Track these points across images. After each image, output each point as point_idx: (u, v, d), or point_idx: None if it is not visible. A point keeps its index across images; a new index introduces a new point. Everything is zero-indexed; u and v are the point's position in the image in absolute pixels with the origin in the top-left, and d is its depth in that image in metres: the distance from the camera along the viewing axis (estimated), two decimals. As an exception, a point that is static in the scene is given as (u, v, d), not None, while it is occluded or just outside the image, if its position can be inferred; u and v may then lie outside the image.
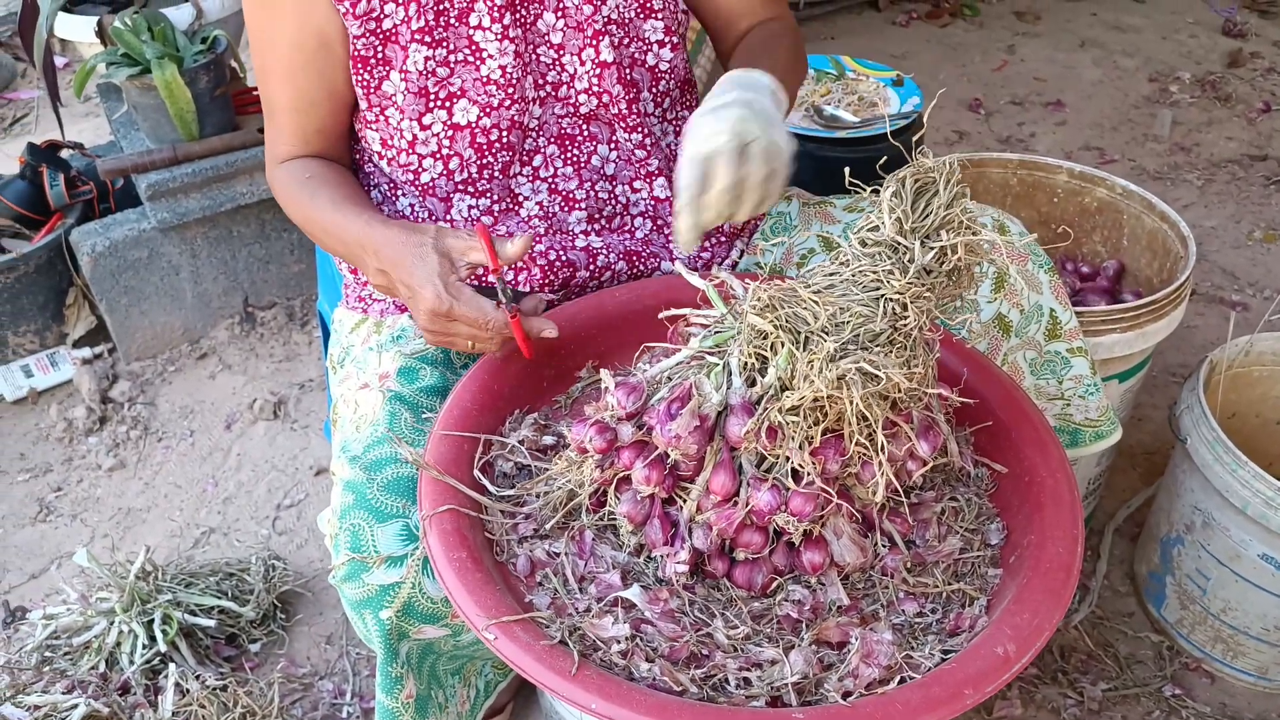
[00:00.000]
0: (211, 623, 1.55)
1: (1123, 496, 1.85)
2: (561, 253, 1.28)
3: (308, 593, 1.69)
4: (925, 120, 1.89)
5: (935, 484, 1.13)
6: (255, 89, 2.21)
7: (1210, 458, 1.44)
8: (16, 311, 2.08)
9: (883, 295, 0.98)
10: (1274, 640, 1.49)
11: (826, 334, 0.96)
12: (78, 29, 2.13)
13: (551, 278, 1.28)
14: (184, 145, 2.00)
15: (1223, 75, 3.19)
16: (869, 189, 1.07)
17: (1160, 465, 1.86)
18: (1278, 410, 1.66)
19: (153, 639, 1.50)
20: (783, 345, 0.97)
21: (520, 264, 1.28)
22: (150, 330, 2.14)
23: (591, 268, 1.30)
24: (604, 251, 1.30)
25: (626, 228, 1.34)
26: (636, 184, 1.32)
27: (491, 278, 1.11)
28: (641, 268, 1.32)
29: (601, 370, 1.05)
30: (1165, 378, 2.07)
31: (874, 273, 1.00)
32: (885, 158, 1.87)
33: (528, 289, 1.30)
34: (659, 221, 1.34)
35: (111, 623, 1.51)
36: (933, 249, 0.99)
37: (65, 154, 2.22)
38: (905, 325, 0.98)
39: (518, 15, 1.21)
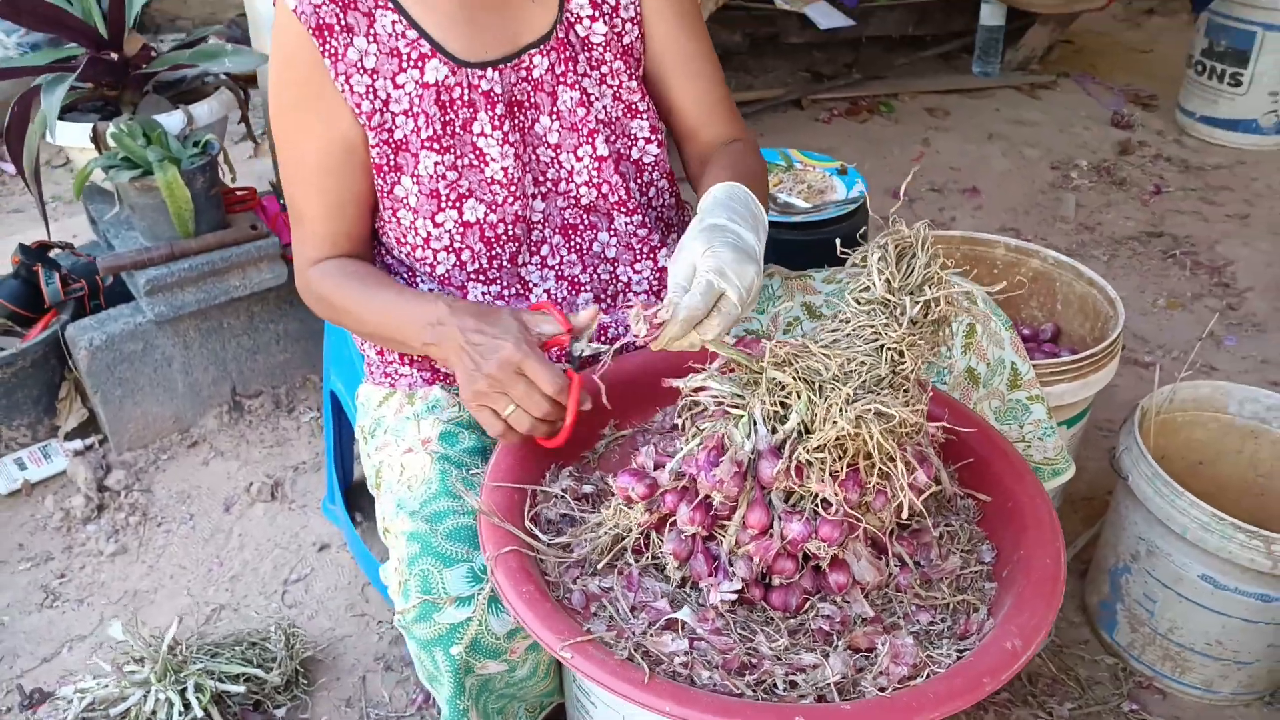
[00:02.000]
0: (241, 689, 1.62)
1: (1067, 539, 2.03)
2: (575, 329, 1.42)
3: (325, 659, 1.77)
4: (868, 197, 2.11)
5: (930, 512, 1.28)
6: (241, 190, 2.34)
7: (1150, 491, 1.63)
8: (11, 406, 2.15)
9: (882, 345, 1.15)
10: (1216, 654, 1.67)
11: (839, 381, 1.12)
12: (72, 135, 2.23)
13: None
14: (180, 242, 2.11)
15: (1116, 162, 3.50)
16: (851, 260, 1.24)
17: (1098, 509, 2.05)
18: (1200, 452, 1.87)
19: (187, 706, 1.57)
20: (800, 394, 1.12)
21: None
22: (142, 420, 2.22)
23: (603, 339, 1.44)
24: (613, 325, 1.45)
25: (628, 304, 1.49)
26: (637, 265, 1.47)
27: (577, 342, 1.25)
28: (651, 338, 1.47)
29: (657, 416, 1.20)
30: (1095, 432, 2.28)
31: (872, 326, 1.16)
32: (839, 238, 2.07)
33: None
34: (659, 296, 1.49)
35: (147, 692, 1.57)
36: (919, 302, 1.17)
37: (53, 253, 2.30)
38: (903, 369, 1.14)
39: (515, 121, 1.36)
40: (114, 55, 2.24)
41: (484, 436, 1.39)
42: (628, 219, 1.43)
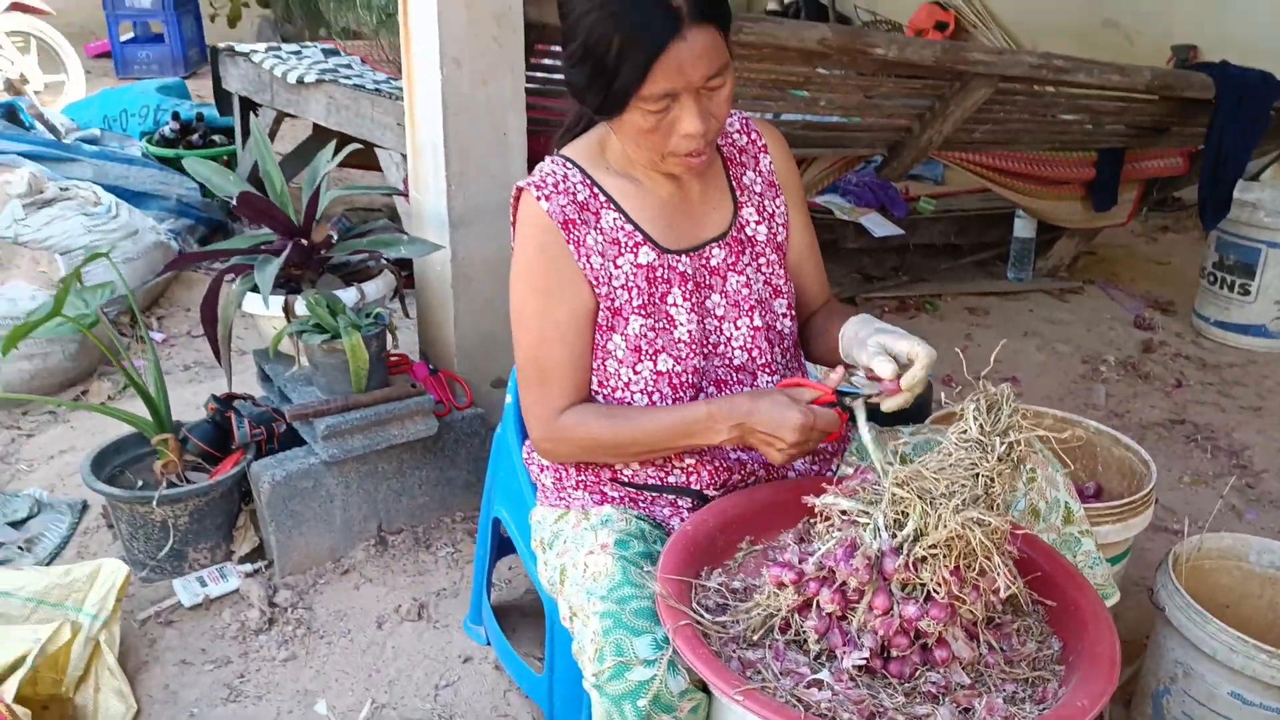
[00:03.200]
0: (417, 765, 1.92)
1: (1112, 675, 2.32)
2: (723, 462, 1.79)
3: (478, 748, 2.07)
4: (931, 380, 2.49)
5: (1008, 611, 1.62)
6: (395, 356, 2.76)
7: (1185, 619, 1.95)
8: (200, 531, 2.51)
9: (978, 473, 1.51)
10: (1246, 765, 1.95)
11: (947, 498, 1.48)
12: (261, 305, 2.66)
13: (717, 479, 1.79)
14: (354, 396, 2.52)
15: (1140, 359, 3.92)
16: (932, 417, 1.62)
17: (1136, 650, 2.34)
18: (1225, 596, 2.18)
19: (377, 774, 1.87)
20: (915, 507, 1.48)
21: (692, 469, 1.79)
22: (305, 549, 2.57)
23: (741, 472, 1.81)
24: (749, 461, 1.82)
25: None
26: (772, 414, 1.85)
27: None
28: (777, 474, 1.84)
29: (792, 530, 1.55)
30: (1130, 586, 2.60)
31: (970, 459, 1.53)
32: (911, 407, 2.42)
33: (696, 486, 1.81)
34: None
35: (345, 762, 1.88)
36: (1005, 443, 1.54)
37: (236, 403, 2.70)
38: (994, 493, 1.50)
39: (697, 296, 1.78)
40: (304, 241, 2.70)
41: (646, 544, 1.74)
42: (768, 378, 1.82)
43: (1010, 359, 3.86)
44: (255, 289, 2.69)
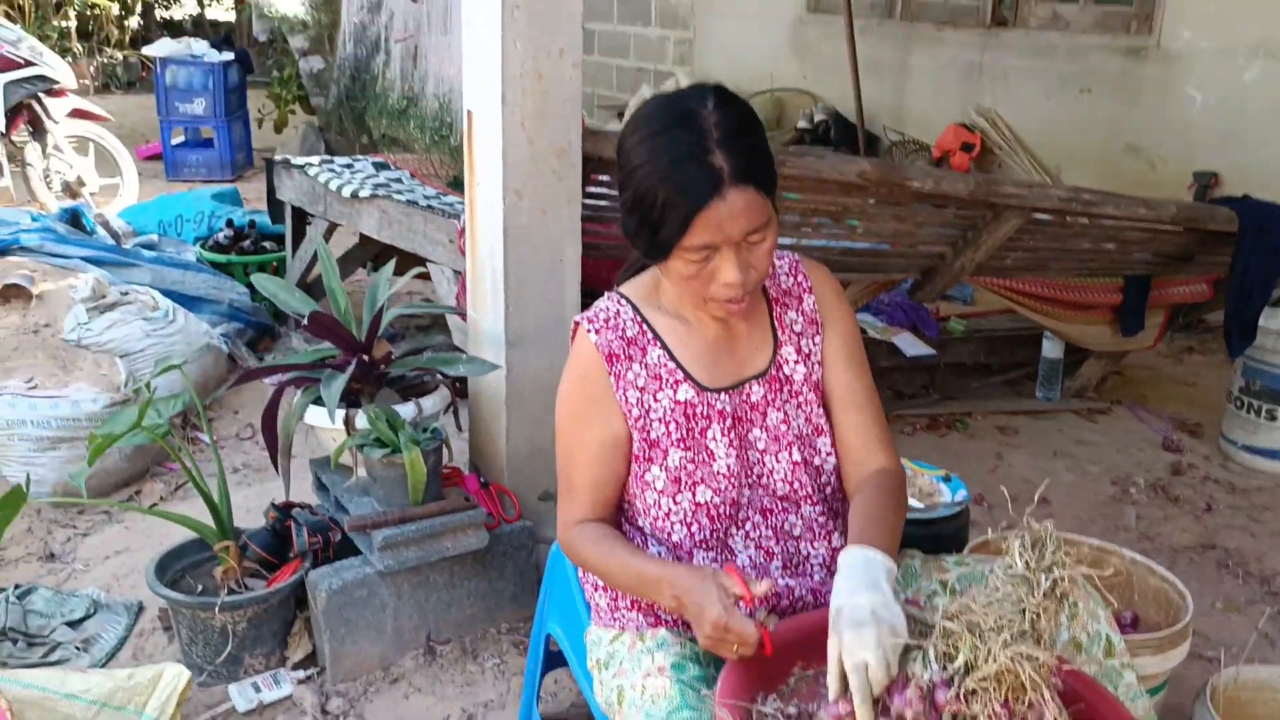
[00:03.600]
0: None
1: (1151, 805, 2.35)
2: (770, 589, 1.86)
3: None
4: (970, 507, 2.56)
5: (1055, 743, 1.67)
6: (448, 469, 2.86)
7: (1223, 752, 2.00)
8: (257, 637, 2.59)
9: (1024, 609, 1.59)
10: None
11: (996, 631, 1.55)
12: (323, 418, 2.78)
13: (765, 605, 1.86)
14: (410, 508, 2.61)
15: (1169, 481, 3.98)
16: (969, 548, 1.69)
17: (1175, 780, 2.38)
18: (1263, 727, 2.23)
19: None
20: (966, 641, 1.55)
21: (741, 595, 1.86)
22: (356, 657, 2.64)
23: (789, 599, 1.89)
24: (796, 589, 1.89)
25: (807, 572, 1.94)
26: (815, 543, 1.93)
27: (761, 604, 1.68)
28: (824, 600, 1.91)
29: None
30: (1168, 713, 2.63)
31: (1017, 594, 1.61)
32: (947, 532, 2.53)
33: (748, 612, 1.88)
34: (831, 569, 1.94)
35: None
36: (1049, 579, 1.61)
37: (294, 512, 2.80)
38: (1040, 628, 1.58)
39: (737, 431, 1.87)
40: (366, 357, 2.82)
41: (702, 668, 1.81)
42: (812, 508, 1.90)
43: (1040, 479, 3.92)
44: (316, 401, 2.81)
